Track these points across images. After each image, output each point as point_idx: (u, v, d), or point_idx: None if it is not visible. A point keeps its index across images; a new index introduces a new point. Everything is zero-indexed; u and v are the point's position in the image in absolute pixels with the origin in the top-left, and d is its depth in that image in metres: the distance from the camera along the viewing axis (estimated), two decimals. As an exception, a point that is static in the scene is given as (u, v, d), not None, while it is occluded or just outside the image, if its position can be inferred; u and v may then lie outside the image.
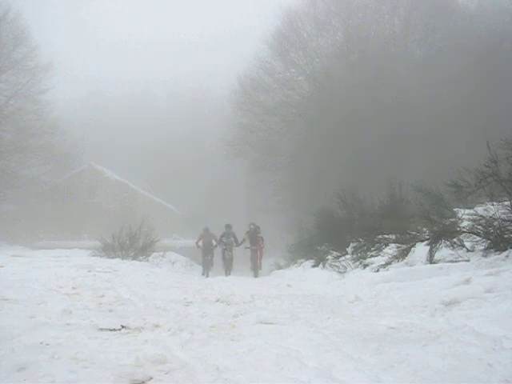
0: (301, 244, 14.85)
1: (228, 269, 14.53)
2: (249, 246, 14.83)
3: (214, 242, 15.29)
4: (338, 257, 10.20)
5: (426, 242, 7.03)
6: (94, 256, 12.72)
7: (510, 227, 5.94)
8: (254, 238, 14.82)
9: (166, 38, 53.40)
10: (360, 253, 9.08)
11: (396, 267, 7.00)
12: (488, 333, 3.15)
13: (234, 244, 15.01)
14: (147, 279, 7.58)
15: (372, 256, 8.59)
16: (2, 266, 7.61)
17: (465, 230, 6.51)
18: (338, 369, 2.58)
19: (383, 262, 7.44)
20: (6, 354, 2.70)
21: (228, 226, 15.17)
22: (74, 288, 5.41)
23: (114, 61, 51.16)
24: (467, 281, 4.74)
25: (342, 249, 10.47)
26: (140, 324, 3.65)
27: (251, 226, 14.99)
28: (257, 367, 2.62)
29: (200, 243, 15.51)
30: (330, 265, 9.82)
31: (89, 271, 7.48)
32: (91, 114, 44.99)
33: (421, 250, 7.01)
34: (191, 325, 3.74)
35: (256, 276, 13.63)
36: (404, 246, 7.41)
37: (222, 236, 15.05)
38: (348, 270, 8.76)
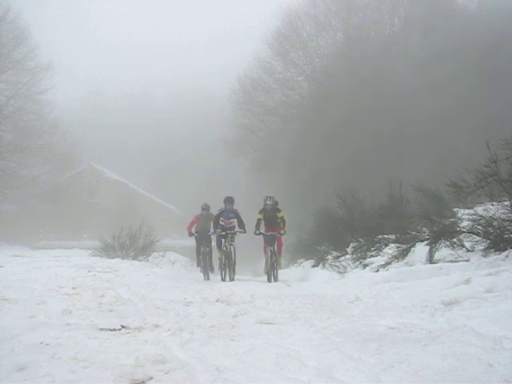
0: (301, 244, 14.86)
1: (227, 269, 9.48)
2: (262, 231, 9.83)
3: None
4: (338, 257, 10.21)
5: (425, 242, 7.04)
6: (94, 256, 12.74)
7: (509, 227, 5.94)
8: (273, 219, 9.84)
9: (166, 37, 53.42)
10: (360, 253, 9.09)
11: (396, 267, 7.00)
12: (488, 333, 3.15)
13: (239, 229, 9.82)
14: (147, 279, 7.59)
15: (372, 256, 8.60)
16: (2, 266, 7.62)
17: (465, 230, 6.51)
18: (337, 369, 2.58)
19: (383, 262, 7.44)
20: (6, 353, 2.70)
21: (228, 200, 9.90)
22: (73, 288, 5.42)
23: (113, 61, 51.17)
24: (467, 281, 4.74)
25: (341, 249, 10.48)
26: (140, 324, 3.65)
27: (268, 202, 9.82)
28: (257, 367, 2.63)
29: (193, 229, 11.22)
30: (330, 265, 9.83)
31: (89, 271, 7.48)
32: (91, 114, 44.99)
33: (421, 250, 7.01)
34: (191, 325, 3.74)
35: (275, 279, 9.19)
36: (404, 246, 7.41)
37: (217, 216, 9.89)
38: (348, 269, 8.76)
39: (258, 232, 9.79)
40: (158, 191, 34.90)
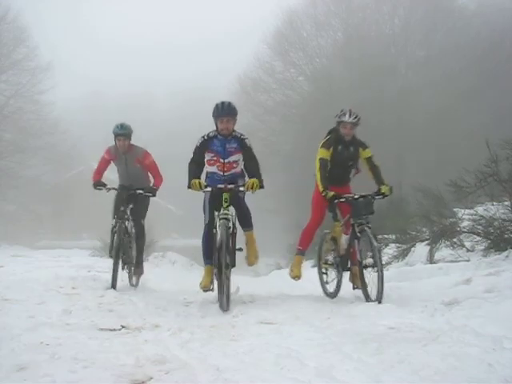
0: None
1: (226, 281, 4.44)
2: (324, 189, 4.91)
3: (151, 178, 6.12)
4: (338, 257, 10.19)
5: (426, 242, 7.04)
6: (93, 256, 12.73)
7: (510, 227, 5.95)
8: (348, 164, 5.27)
9: (167, 38, 53.46)
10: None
11: (396, 267, 7.01)
12: (488, 333, 3.15)
13: (250, 186, 4.66)
14: (147, 279, 7.57)
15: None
16: (2, 266, 7.62)
17: (465, 230, 6.52)
18: (337, 369, 2.57)
19: (383, 262, 7.44)
20: (6, 353, 2.70)
21: (224, 111, 4.80)
22: (73, 288, 5.41)
23: (114, 61, 51.21)
24: (467, 281, 4.75)
25: (342, 249, 10.47)
26: (140, 324, 3.65)
27: (346, 119, 5.01)
28: (257, 367, 2.62)
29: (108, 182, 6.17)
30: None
31: (89, 271, 7.49)
32: (91, 114, 45.03)
33: (421, 249, 7.02)
34: (191, 325, 3.74)
35: (378, 298, 4.50)
36: (404, 246, 7.41)
37: (198, 150, 4.93)
38: (348, 270, 8.74)
39: (328, 192, 4.86)
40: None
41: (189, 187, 4.84)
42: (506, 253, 5.57)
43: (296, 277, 5.70)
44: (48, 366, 2.53)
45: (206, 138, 5.00)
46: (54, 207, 28.71)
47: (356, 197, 4.96)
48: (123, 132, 5.90)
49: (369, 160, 5.20)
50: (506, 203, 6.11)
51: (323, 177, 5.02)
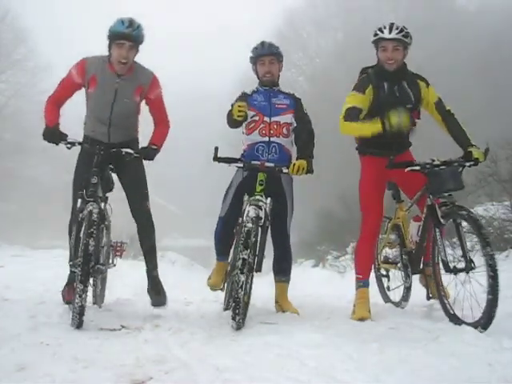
0: (301, 244, 14.87)
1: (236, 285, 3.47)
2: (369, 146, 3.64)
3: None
4: (338, 257, 10.23)
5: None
6: (93, 256, 12.71)
7: (509, 227, 5.96)
8: (404, 107, 3.38)
9: (166, 36, 53.44)
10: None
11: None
12: (488, 333, 3.16)
13: (296, 169, 3.89)
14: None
15: (372, 256, 8.59)
16: (2, 266, 7.60)
17: (464, 229, 6.51)
18: (337, 369, 2.57)
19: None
20: (5, 353, 2.70)
21: (263, 47, 4.11)
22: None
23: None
24: (467, 281, 4.73)
25: (341, 249, 10.50)
26: (140, 324, 3.65)
27: (385, 34, 3.39)
28: (257, 367, 2.62)
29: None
30: (330, 265, 9.85)
31: (89, 271, 7.45)
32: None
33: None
34: (191, 325, 3.74)
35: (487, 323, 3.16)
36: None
37: (239, 99, 3.86)
38: (348, 269, 8.77)
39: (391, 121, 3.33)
40: (158, 191, 34.91)
41: (231, 115, 3.66)
42: (505, 253, 5.58)
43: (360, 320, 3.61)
44: (48, 365, 2.53)
45: (244, 92, 3.97)
46: (53, 207, 28.70)
47: (437, 163, 3.35)
48: (132, 33, 3.34)
49: (439, 105, 3.47)
50: (506, 203, 6.13)
51: (355, 120, 3.37)
